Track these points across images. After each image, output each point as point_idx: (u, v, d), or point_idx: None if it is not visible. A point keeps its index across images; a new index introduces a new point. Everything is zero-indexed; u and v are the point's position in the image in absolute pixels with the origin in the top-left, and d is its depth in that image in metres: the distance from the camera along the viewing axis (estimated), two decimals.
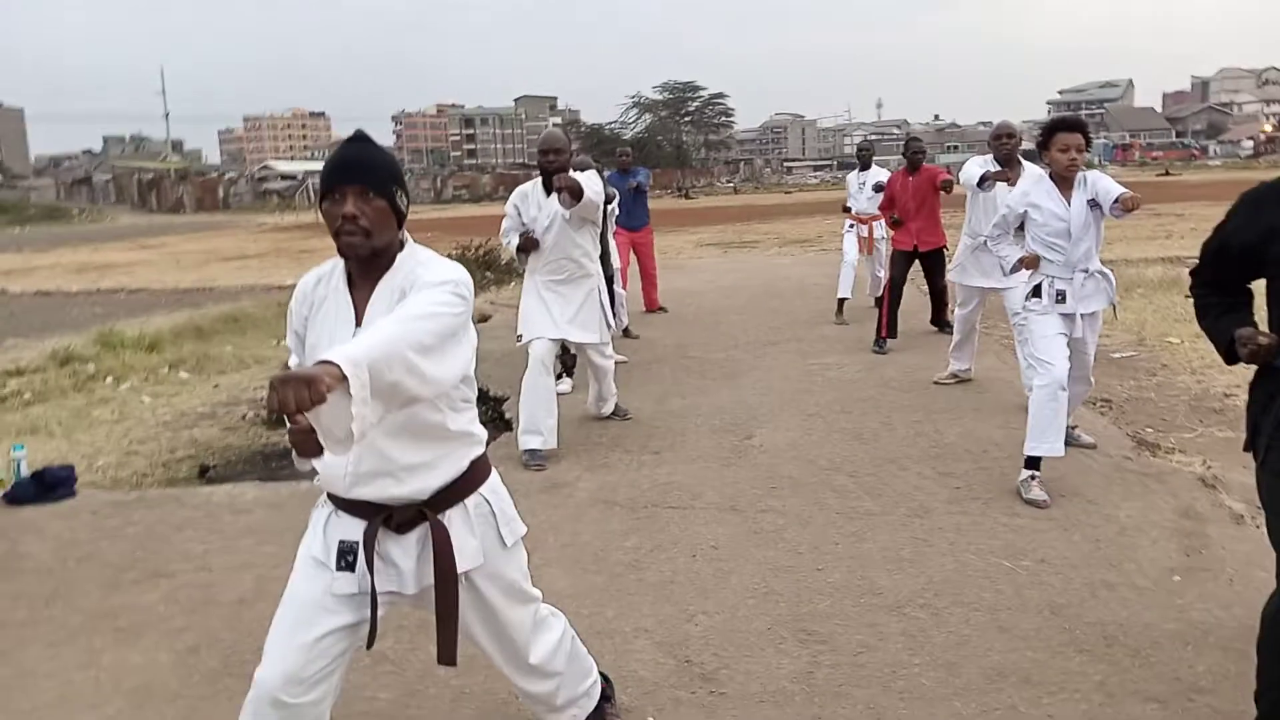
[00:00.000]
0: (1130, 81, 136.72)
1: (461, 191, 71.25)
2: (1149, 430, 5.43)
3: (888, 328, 7.95)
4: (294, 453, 2.03)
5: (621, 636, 3.24)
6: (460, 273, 2.13)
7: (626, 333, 8.84)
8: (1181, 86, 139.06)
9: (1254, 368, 2.54)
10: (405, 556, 2.18)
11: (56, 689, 3.10)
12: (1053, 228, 4.47)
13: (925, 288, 8.69)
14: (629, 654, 3.12)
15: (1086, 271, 4.52)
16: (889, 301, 8.04)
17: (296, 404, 1.67)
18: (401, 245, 2.19)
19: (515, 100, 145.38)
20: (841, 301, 9.53)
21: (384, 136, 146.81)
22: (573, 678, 2.50)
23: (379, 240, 2.11)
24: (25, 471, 5.12)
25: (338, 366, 1.72)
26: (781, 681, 2.93)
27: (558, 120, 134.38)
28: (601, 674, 2.66)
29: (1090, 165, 6.07)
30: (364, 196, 2.08)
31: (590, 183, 5.15)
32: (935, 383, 6.64)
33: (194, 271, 20.99)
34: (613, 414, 6.05)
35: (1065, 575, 3.57)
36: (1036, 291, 4.56)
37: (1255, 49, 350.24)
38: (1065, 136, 4.36)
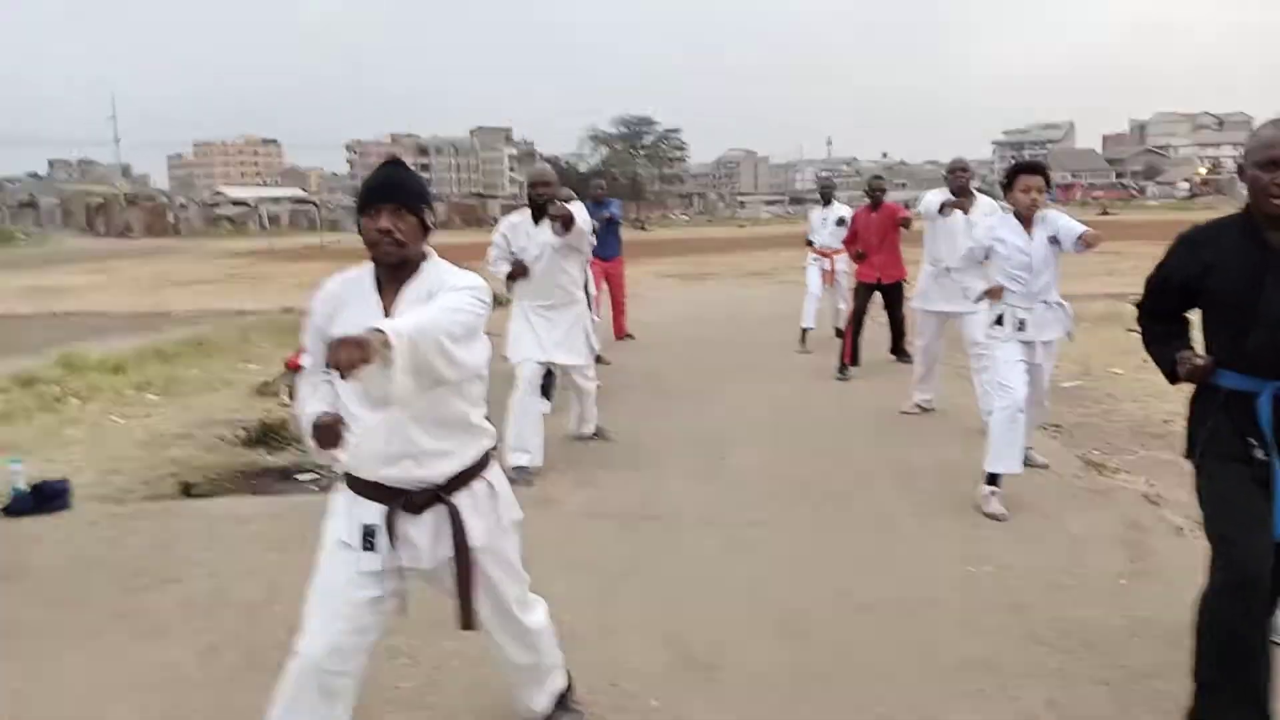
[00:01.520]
0: (1071, 124, 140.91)
1: (435, 219, 71.17)
2: (1096, 452, 5.80)
3: (851, 356, 8.33)
4: (315, 444, 2.33)
5: (620, 633, 3.49)
6: (480, 280, 2.42)
7: (599, 359, 9.08)
8: (1120, 129, 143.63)
9: (1192, 388, 2.90)
10: (422, 534, 2.43)
11: (84, 682, 3.27)
12: (1016, 260, 4.82)
13: (884, 319, 9.03)
14: (629, 649, 3.38)
15: (1046, 303, 4.88)
16: (852, 331, 8.41)
17: (349, 362, 1.95)
18: (425, 256, 2.48)
19: (471, 130, 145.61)
20: (805, 331, 9.91)
21: (337, 164, 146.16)
22: (550, 654, 2.79)
23: (409, 251, 2.40)
24: (22, 484, 5.24)
25: (385, 334, 2.01)
26: (769, 671, 3.21)
27: (513, 151, 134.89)
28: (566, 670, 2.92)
29: None
30: (397, 213, 2.37)
31: (580, 213, 5.43)
32: (902, 413, 6.93)
33: (149, 295, 20.79)
34: (594, 434, 6.29)
35: (1024, 578, 3.90)
36: (999, 320, 4.91)
37: (1190, 94, 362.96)
38: (1027, 178, 4.77)
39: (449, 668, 3.22)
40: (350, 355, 1.96)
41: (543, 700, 2.79)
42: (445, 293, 2.34)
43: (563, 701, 2.86)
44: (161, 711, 3.07)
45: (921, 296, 7.01)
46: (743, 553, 4.27)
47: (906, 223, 8.24)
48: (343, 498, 2.50)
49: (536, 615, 2.74)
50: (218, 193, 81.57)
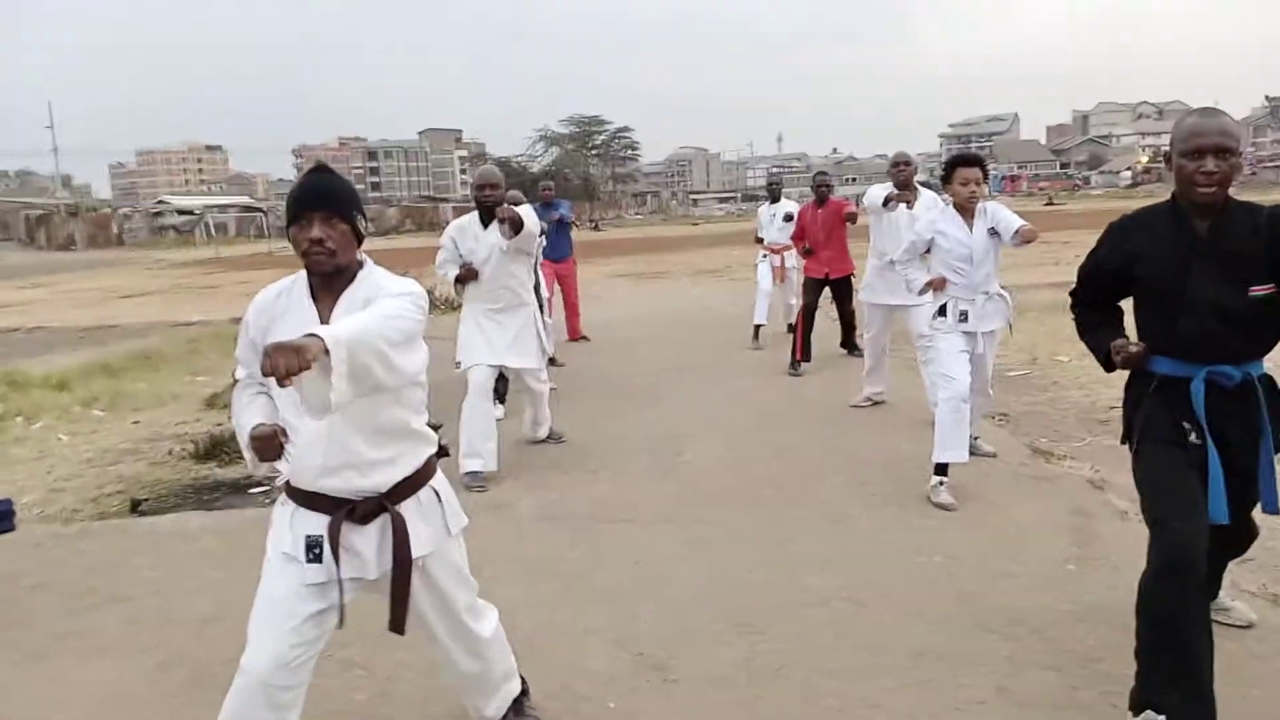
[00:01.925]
0: (1016, 115, 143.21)
1: (367, 225, 70.39)
2: (1043, 440, 5.91)
3: (802, 351, 8.39)
4: (254, 457, 2.29)
5: (575, 636, 3.49)
6: (417, 287, 2.40)
7: (553, 361, 9.04)
8: (1063, 120, 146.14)
9: (1128, 375, 2.97)
10: (367, 545, 2.41)
11: (32, 703, 3.21)
12: (957, 253, 4.89)
13: (835, 314, 9.10)
14: (584, 651, 3.38)
15: (987, 294, 4.97)
16: (803, 326, 8.48)
17: (286, 369, 1.92)
18: (361, 264, 2.44)
19: (419, 133, 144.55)
20: (758, 328, 9.97)
21: (284, 170, 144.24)
22: (502, 660, 2.78)
23: (343, 259, 2.36)
24: None
25: (322, 340, 1.98)
26: (725, 668, 3.22)
27: (463, 152, 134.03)
28: (520, 675, 2.91)
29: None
30: (329, 221, 2.33)
31: (529, 216, 5.42)
32: (852, 406, 6.99)
33: (93, 309, 20.39)
34: (548, 438, 6.28)
35: (972, 567, 3.96)
36: (943, 311, 4.98)
37: (1129, 84, 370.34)
38: (965, 171, 4.83)
39: (402, 679, 3.20)
40: (288, 361, 1.93)
41: (494, 707, 2.77)
42: (383, 299, 2.30)
43: (518, 706, 2.85)
44: None
45: (868, 289, 7.09)
46: (698, 552, 4.29)
47: (852, 218, 8.31)
48: (285, 509, 2.47)
49: (487, 623, 2.73)
50: (161, 201, 79.92)
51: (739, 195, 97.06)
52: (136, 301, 21.89)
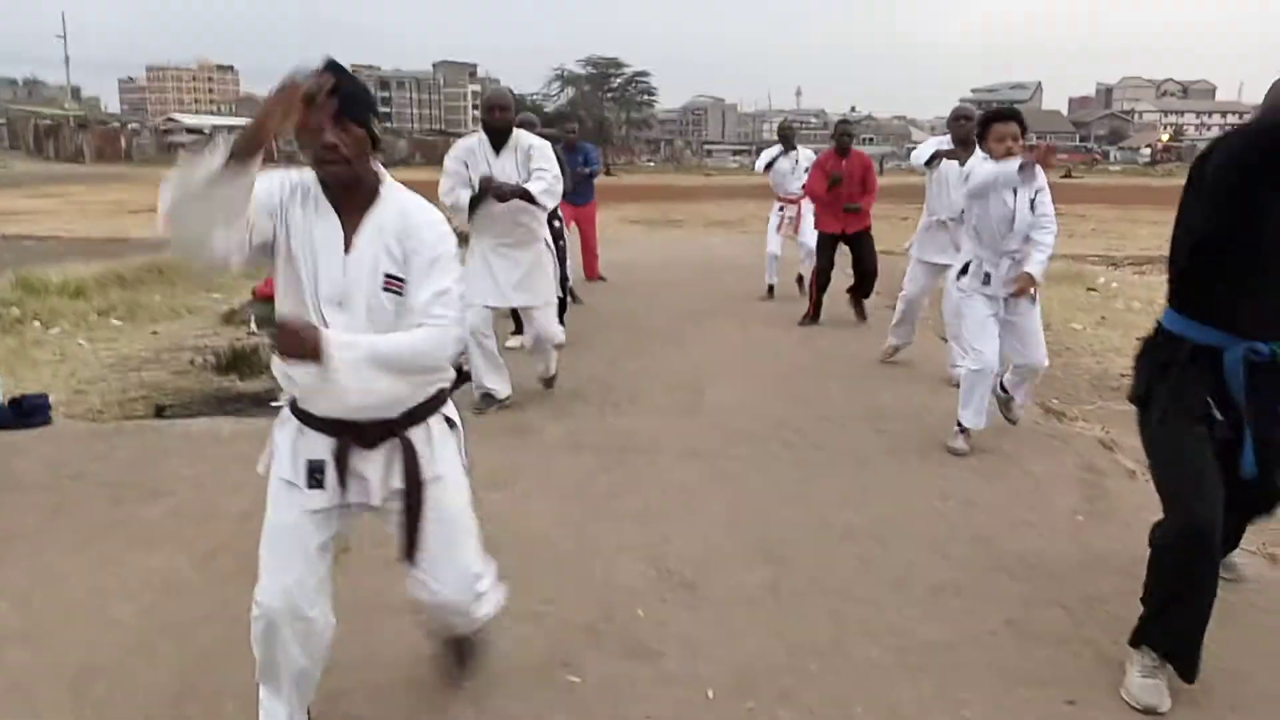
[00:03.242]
0: (1039, 84, 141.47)
1: (382, 129, 69.93)
2: (1055, 401, 6.02)
3: (814, 313, 8.42)
4: (276, 353, 2.16)
5: (606, 553, 3.63)
6: (446, 226, 2.27)
7: (574, 297, 8.93)
8: (1086, 92, 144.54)
9: (1148, 334, 2.95)
10: (373, 469, 2.31)
11: (85, 586, 3.35)
12: (996, 213, 4.80)
13: (849, 269, 8.72)
14: (615, 567, 3.52)
15: (1014, 259, 4.85)
16: (816, 288, 8.43)
17: (287, 352, 2.03)
18: (379, 179, 2.25)
19: (434, 65, 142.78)
20: (770, 287, 9.91)
21: None
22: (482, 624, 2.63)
23: (359, 168, 2.17)
24: (1, 398, 5.24)
25: (331, 352, 2.06)
26: (751, 590, 3.37)
27: (476, 88, 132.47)
28: None
29: None
30: (341, 124, 2.11)
31: (544, 183, 5.12)
32: (881, 362, 6.89)
33: (103, 221, 20.37)
34: (547, 381, 5.94)
35: (989, 514, 4.10)
36: (965, 270, 4.97)
37: (1155, 61, 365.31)
38: (1000, 127, 4.74)
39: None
40: (293, 348, 2.02)
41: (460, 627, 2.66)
42: (419, 288, 2.19)
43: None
44: (165, 612, 3.16)
45: (918, 245, 6.89)
46: (723, 483, 4.43)
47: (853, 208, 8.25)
48: (285, 430, 2.37)
49: (487, 602, 2.57)
50: (170, 119, 79.37)
51: (754, 148, 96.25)
52: (147, 217, 21.78)
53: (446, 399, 2.43)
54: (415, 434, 2.33)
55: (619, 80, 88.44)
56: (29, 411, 5.18)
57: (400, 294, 2.20)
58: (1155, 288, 11.10)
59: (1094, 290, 11.02)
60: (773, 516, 4.03)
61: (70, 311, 9.44)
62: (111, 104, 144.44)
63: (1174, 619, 2.71)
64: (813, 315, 8.46)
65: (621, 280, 10.96)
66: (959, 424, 4.90)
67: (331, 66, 2.14)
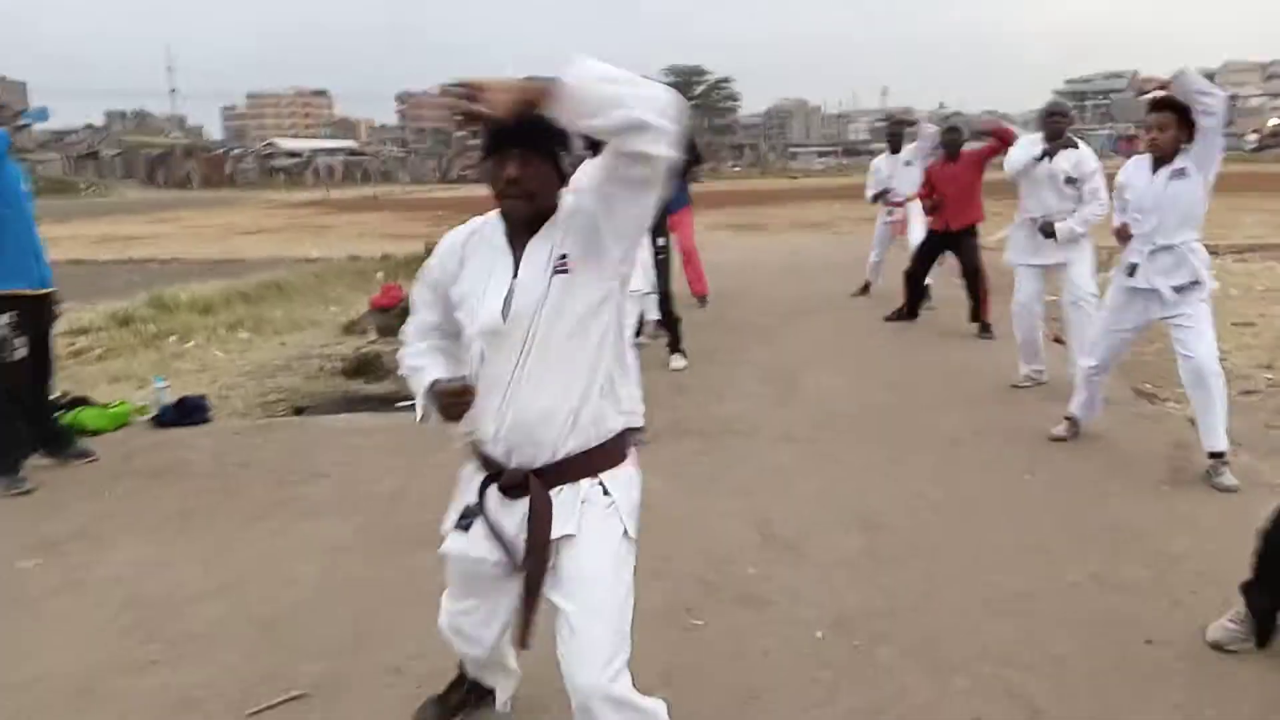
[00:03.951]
0: (1136, 73, 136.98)
1: (468, 172, 71.65)
2: (1147, 385, 6.17)
3: (908, 310, 8.49)
4: (433, 410, 2.12)
5: (713, 520, 4.01)
6: None
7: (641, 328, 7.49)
8: None
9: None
10: (511, 524, 2.14)
11: (263, 551, 3.86)
12: (1136, 202, 4.52)
13: (959, 279, 8.27)
14: (722, 531, 3.89)
15: (1166, 247, 4.43)
16: (909, 292, 8.45)
17: (449, 415, 2.09)
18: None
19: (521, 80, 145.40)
20: (867, 284, 10.00)
21: (387, 115, 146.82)
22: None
23: (542, 202, 2.07)
24: (168, 399, 5.87)
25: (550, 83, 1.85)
26: (849, 553, 3.70)
27: None
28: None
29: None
30: (528, 159, 2.03)
31: None
32: (1013, 387, 6.19)
33: (217, 244, 21.50)
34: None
35: (1076, 485, 4.35)
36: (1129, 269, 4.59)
37: (1260, 42, 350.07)
38: (1150, 117, 4.42)
39: None
40: (452, 410, 2.06)
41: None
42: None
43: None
44: (335, 571, 3.65)
45: (1012, 249, 6.32)
46: (818, 462, 4.76)
47: (1002, 141, 7.32)
48: (468, 466, 2.28)
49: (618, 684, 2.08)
50: (270, 144, 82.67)
51: (840, 149, 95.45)
52: (256, 238, 22.98)
53: (619, 459, 2.16)
54: (561, 492, 2.10)
55: (702, 88, 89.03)
56: (190, 411, 5.80)
57: (569, 271, 2.04)
58: (1256, 274, 10.99)
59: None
60: (866, 491, 4.35)
61: (201, 326, 10.14)
62: (215, 131, 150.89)
63: (1265, 596, 2.92)
64: (906, 312, 8.48)
65: (714, 282, 11.27)
66: (1069, 414, 5.02)
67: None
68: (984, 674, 2.82)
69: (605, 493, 2.12)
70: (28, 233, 4.76)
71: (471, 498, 2.20)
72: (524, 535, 2.10)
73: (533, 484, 2.08)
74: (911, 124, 9.88)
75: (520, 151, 2.02)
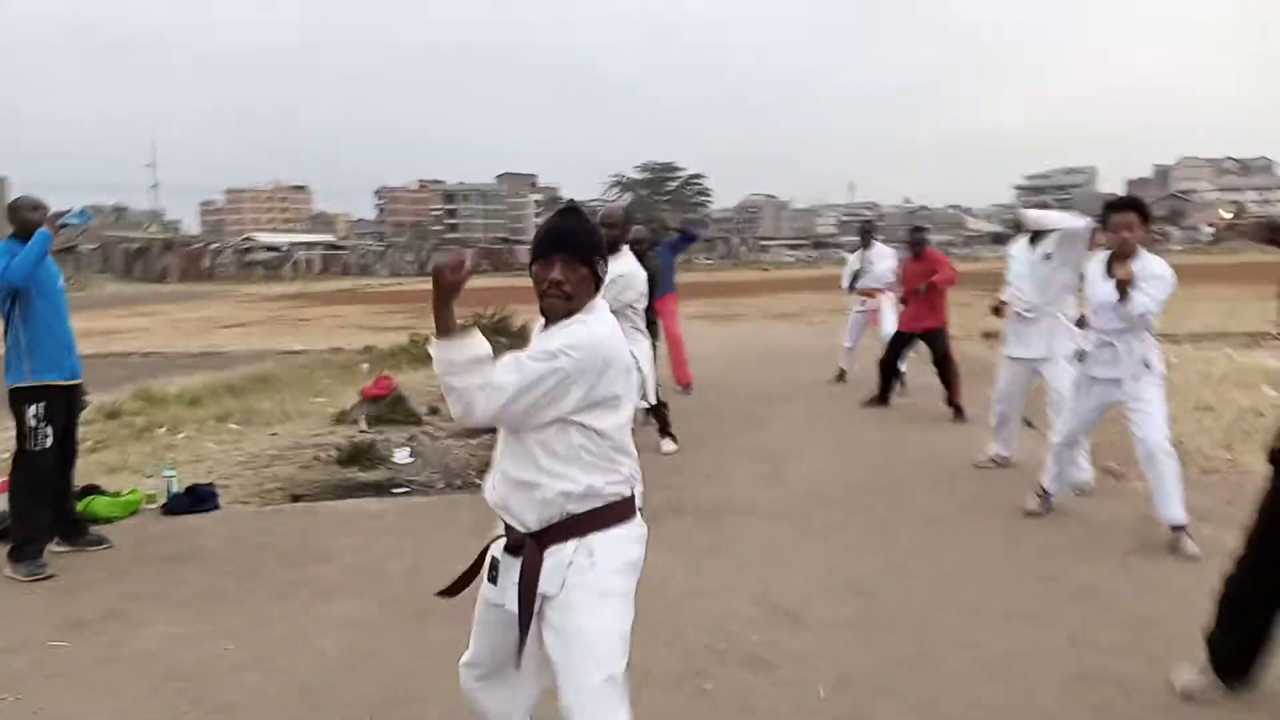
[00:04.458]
0: (1094, 169, 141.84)
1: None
2: (1113, 463, 6.50)
3: (881, 396, 8.94)
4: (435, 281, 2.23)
5: (717, 593, 4.25)
6: (576, 337, 2.27)
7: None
8: (1144, 174, 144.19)
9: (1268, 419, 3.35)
10: (511, 579, 2.36)
11: (288, 627, 4.05)
12: (1096, 301, 4.88)
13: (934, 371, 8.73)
14: (726, 603, 4.13)
15: (1112, 343, 4.81)
16: (883, 379, 8.93)
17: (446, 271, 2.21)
18: (590, 310, 2.36)
19: (497, 177, 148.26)
20: (842, 372, 10.45)
21: (365, 210, 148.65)
22: None
23: (577, 303, 2.33)
24: (177, 487, 6.06)
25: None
26: (846, 617, 3.96)
27: (539, 196, 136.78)
28: None
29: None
30: (570, 264, 2.31)
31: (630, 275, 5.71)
32: (975, 466, 6.51)
33: (198, 337, 21.59)
34: None
35: (1053, 556, 4.65)
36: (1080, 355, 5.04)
37: (1211, 139, 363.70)
38: (1117, 217, 4.79)
39: None
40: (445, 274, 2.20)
41: None
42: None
43: None
44: (360, 644, 3.84)
45: (1004, 341, 6.45)
46: (810, 538, 5.03)
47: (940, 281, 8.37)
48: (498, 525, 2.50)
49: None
50: (248, 238, 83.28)
51: (809, 242, 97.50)
52: (237, 331, 23.12)
53: (597, 527, 2.34)
54: (552, 552, 2.31)
55: (674, 183, 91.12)
56: (202, 498, 5.98)
57: None
58: (1212, 361, 11.47)
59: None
60: (857, 564, 4.61)
61: (190, 418, 10.17)
62: (192, 226, 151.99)
63: (1228, 639, 3.20)
64: (879, 398, 8.92)
65: (694, 371, 11.61)
66: (1040, 489, 5.34)
67: (569, 209, 2.43)
68: None
69: (590, 554, 2.31)
70: (61, 326, 5.03)
71: (497, 553, 2.43)
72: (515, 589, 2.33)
73: (528, 545, 2.32)
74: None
75: (564, 256, 2.31)
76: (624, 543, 2.39)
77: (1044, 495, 5.34)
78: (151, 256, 71.33)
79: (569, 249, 2.32)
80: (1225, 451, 6.71)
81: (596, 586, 2.31)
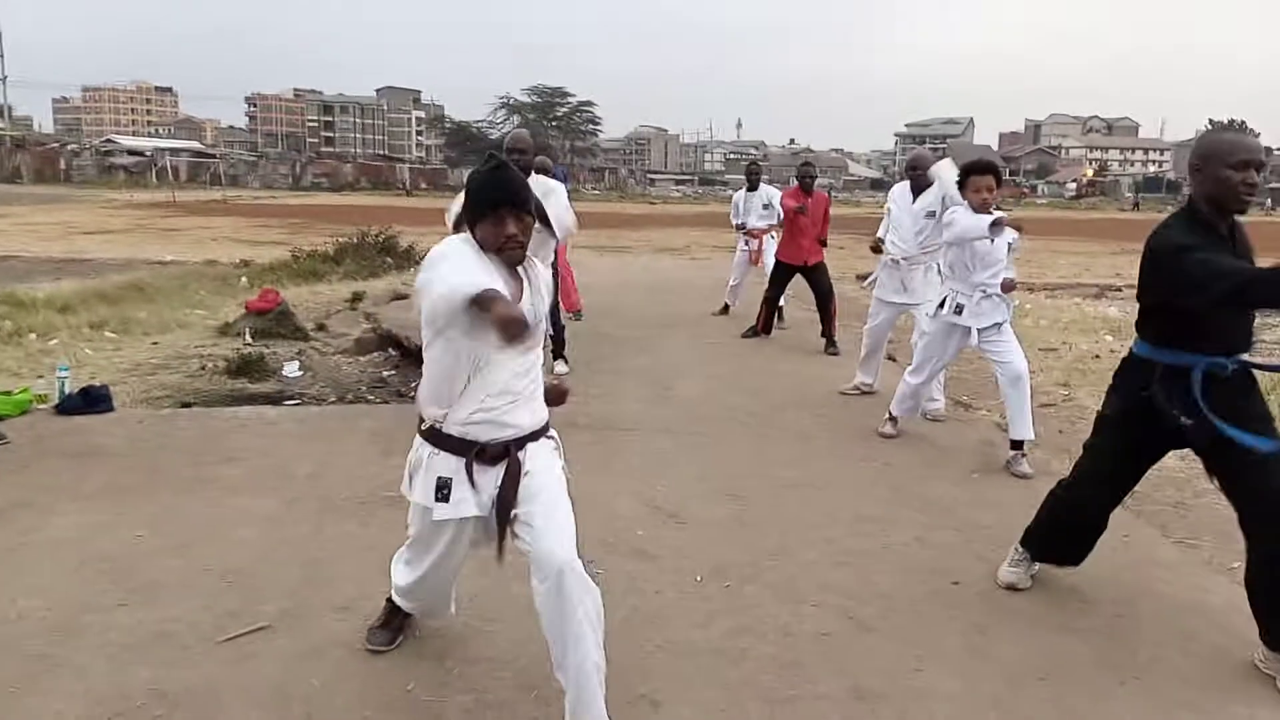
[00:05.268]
0: (971, 119, 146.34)
1: (321, 180, 69.91)
2: (965, 396, 7.18)
3: (762, 327, 9.48)
4: (506, 338, 2.36)
5: (607, 496, 4.65)
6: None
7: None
8: (1016, 128, 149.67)
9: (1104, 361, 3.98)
10: (490, 483, 2.69)
11: (202, 518, 4.26)
12: (978, 253, 5.28)
13: (811, 305, 9.45)
14: (614, 504, 4.54)
15: (984, 292, 5.31)
16: (766, 315, 9.47)
17: (513, 338, 2.35)
18: None
19: (378, 90, 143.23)
20: (726, 306, 10.96)
21: (236, 117, 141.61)
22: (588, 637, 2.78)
23: (528, 247, 2.69)
24: (70, 388, 6.07)
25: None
26: (721, 518, 4.43)
27: (420, 113, 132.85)
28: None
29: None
30: (518, 217, 2.60)
31: (560, 213, 5.85)
32: (841, 393, 7.04)
33: (59, 242, 20.69)
34: None
35: (902, 470, 5.23)
36: (942, 304, 5.45)
37: (1082, 100, 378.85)
38: (977, 179, 5.23)
39: None
40: (518, 334, 2.33)
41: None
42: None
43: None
44: (275, 534, 4.10)
45: (877, 285, 7.01)
46: (692, 451, 5.48)
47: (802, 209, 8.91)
48: (420, 454, 2.77)
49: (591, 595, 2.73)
50: (110, 140, 78.61)
51: (696, 178, 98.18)
52: (100, 239, 22.19)
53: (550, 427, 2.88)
54: (529, 450, 2.72)
55: (564, 109, 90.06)
56: (95, 400, 6.02)
57: None
58: (1063, 309, 12.46)
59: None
60: (733, 473, 5.09)
61: (63, 325, 9.82)
62: (45, 124, 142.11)
63: (1047, 540, 3.76)
64: (760, 329, 9.47)
65: (585, 300, 11.93)
66: (890, 414, 5.93)
67: (503, 164, 2.65)
68: (828, 603, 3.57)
69: (556, 444, 2.85)
70: None
71: (444, 472, 2.69)
72: (497, 486, 2.68)
73: (512, 452, 2.69)
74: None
75: (516, 212, 2.60)
76: (557, 441, 2.93)
77: (894, 419, 5.92)
78: (2, 155, 66.73)
79: (515, 204, 2.60)
80: (1062, 389, 7.46)
81: (557, 464, 2.84)
